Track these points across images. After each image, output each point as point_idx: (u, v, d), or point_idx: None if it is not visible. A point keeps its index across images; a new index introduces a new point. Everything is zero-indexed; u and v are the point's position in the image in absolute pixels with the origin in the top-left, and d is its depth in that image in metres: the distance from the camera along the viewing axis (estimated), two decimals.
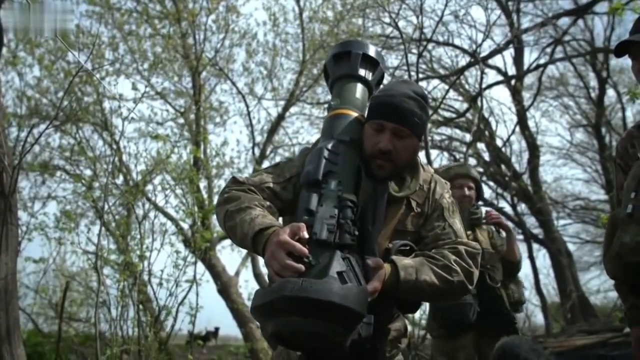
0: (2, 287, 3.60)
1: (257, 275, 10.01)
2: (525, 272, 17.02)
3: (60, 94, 8.56)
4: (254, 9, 28.43)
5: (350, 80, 1.96)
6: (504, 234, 3.40)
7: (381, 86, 2.03)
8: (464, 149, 11.02)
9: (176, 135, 9.75)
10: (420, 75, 9.52)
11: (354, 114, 1.88)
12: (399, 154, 1.78)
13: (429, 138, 7.32)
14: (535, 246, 12.90)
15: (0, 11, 3.75)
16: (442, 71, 11.28)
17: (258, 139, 10.56)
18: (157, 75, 9.77)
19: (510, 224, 3.35)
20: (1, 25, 3.85)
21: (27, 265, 8.01)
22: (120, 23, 9.35)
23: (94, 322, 5.19)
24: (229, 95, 10.72)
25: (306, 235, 1.52)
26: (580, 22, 12.21)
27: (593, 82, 13.83)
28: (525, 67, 11.96)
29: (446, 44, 10.64)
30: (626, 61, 2.05)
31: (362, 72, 1.97)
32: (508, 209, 11.82)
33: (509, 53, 11.61)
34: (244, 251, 11.30)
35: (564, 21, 11.48)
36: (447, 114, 11.84)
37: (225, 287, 9.38)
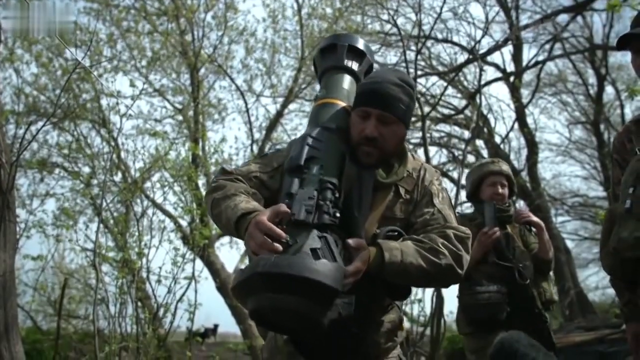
0: (0, 285, 3.59)
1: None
2: None
3: (58, 91, 8.55)
4: (252, 6, 28.45)
5: (337, 71, 1.98)
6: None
7: None
8: (463, 146, 11.02)
9: (174, 132, 9.77)
10: (419, 72, 9.52)
11: (341, 104, 1.89)
12: (384, 141, 1.78)
13: (428, 135, 7.31)
14: None
15: None
16: (440, 68, 11.27)
17: (256, 135, 10.55)
18: (156, 72, 9.78)
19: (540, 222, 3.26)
20: None
21: (26, 263, 8.03)
22: (118, 20, 9.33)
23: (92, 319, 5.19)
24: (227, 92, 10.75)
25: (287, 212, 1.54)
26: (579, 19, 12.22)
27: (592, 79, 13.85)
28: (524, 64, 11.98)
29: (445, 40, 10.65)
30: (625, 58, 2.05)
31: (348, 63, 1.98)
32: None
33: (508, 50, 11.65)
34: (243, 248, 11.31)
35: (563, 18, 11.49)
36: (446, 111, 11.83)
37: (224, 284, 9.37)
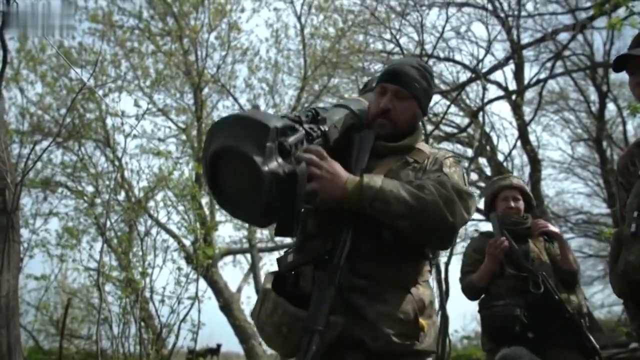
0: (3, 305, 3.59)
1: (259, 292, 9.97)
2: None
3: (63, 111, 8.61)
4: (255, 26, 28.66)
5: None
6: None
7: None
8: (466, 164, 11.03)
9: (178, 152, 9.80)
10: None
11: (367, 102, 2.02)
12: (397, 114, 1.86)
13: None
14: None
15: (4, 31, 3.78)
16: (443, 87, 11.31)
17: None
18: (159, 92, 9.85)
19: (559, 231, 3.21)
20: (5, 44, 3.88)
21: (29, 282, 8.00)
22: (122, 40, 9.43)
23: (95, 339, 5.16)
24: (230, 111, 10.75)
25: None
26: (580, 37, 12.28)
27: (593, 96, 13.87)
28: (526, 82, 12.00)
29: (447, 59, 10.69)
30: (626, 75, 2.05)
31: None
32: None
33: (510, 68, 11.67)
34: (246, 268, 11.28)
35: (564, 36, 11.56)
36: (449, 129, 11.85)
37: (228, 304, 9.34)
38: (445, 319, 5.38)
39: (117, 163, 7.59)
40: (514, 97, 11.71)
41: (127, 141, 6.14)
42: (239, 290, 10.48)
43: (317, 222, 1.75)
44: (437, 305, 4.86)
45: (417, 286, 1.78)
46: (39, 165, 8.71)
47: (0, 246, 3.58)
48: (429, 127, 7.65)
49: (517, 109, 11.56)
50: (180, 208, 6.14)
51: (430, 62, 10.05)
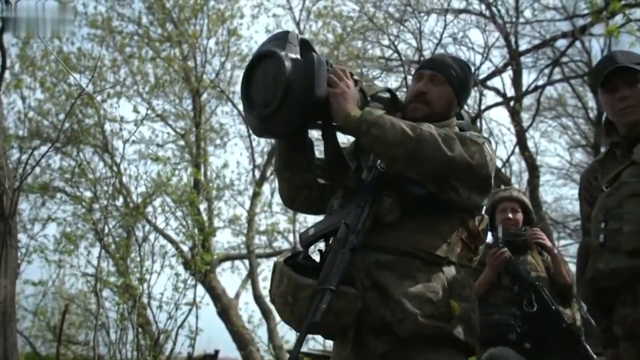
0: (0, 310, 3.58)
1: (257, 298, 9.95)
2: None
3: (62, 116, 8.61)
4: (254, 32, 28.68)
5: None
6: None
7: None
8: None
9: (177, 158, 9.79)
10: None
11: None
12: (432, 97, 1.87)
13: None
14: None
15: (3, 36, 3.79)
16: None
17: (258, 160, 10.59)
18: (158, 98, 9.84)
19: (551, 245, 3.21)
20: (3, 49, 3.89)
21: (26, 288, 7.98)
22: (121, 46, 9.43)
23: (92, 345, 5.15)
24: (229, 117, 10.75)
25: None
26: (578, 43, 12.32)
27: (591, 103, 13.89)
28: (524, 88, 12.03)
29: None
30: None
31: None
32: None
33: (508, 75, 11.70)
34: (244, 274, 11.26)
35: (562, 43, 11.59)
36: None
37: (225, 310, 9.31)
38: None
39: (115, 168, 7.58)
40: (512, 103, 11.73)
41: (126, 147, 6.12)
42: (237, 296, 10.45)
43: (341, 201, 1.79)
44: None
45: (449, 265, 1.73)
46: (37, 170, 8.70)
47: None
48: None
49: (515, 115, 11.58)
50: (179, 214, 6.14)
51: None
